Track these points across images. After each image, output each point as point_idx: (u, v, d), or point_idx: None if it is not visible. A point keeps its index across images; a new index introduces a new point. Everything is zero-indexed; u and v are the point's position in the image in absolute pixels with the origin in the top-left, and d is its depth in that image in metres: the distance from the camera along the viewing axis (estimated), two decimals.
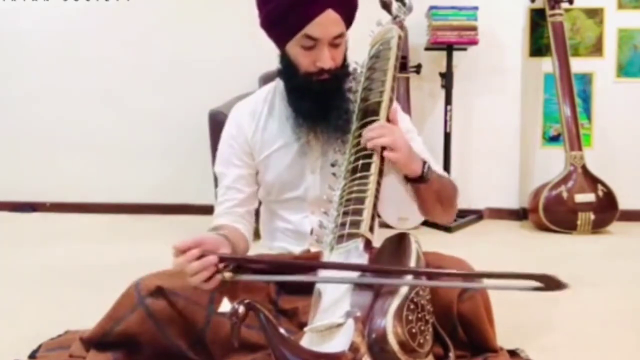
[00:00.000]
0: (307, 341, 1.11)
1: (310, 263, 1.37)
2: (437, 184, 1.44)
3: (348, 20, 1.45)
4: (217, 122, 2.88)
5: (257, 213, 1.70)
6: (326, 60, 1.40)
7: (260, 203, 1.67)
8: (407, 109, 3.49)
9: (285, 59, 1.47)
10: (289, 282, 1.35)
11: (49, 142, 3.90)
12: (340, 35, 1.42)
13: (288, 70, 1.47)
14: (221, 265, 1.21)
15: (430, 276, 1.21)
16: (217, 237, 1.31)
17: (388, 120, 1.40)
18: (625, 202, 3.38)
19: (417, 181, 1.40)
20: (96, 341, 1.37)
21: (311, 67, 1.42)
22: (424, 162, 1.40)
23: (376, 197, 1.30)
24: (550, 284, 1.05)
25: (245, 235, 1.52)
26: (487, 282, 1.28)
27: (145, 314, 1.32)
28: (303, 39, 1.40)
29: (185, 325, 1.33)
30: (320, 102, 1.44)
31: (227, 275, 1.20)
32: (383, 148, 1.33)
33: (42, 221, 3.69)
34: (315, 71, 1.42)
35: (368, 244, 1.24)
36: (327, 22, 1.38)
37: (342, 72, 1.47)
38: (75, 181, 3.90)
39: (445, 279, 1.24)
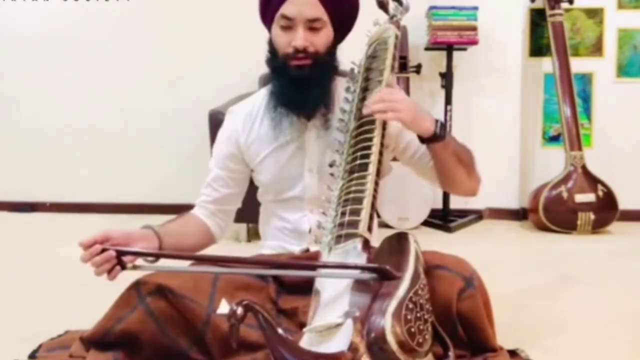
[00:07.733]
0: (306, 341, 1.11)
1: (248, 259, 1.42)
2: (454, 145, 1.46)
3: (333, 11, 1.47)
4: (217, 122, 2.87)
5: (256, 214, 1.70)
6: (299, 39, 1.44)
7: (259, 203, 1.67)
8: None
9: (270, 44, 1.52)
10: (203, 273, 1.38)
11: (49, 142, 3.90)
12: (318, 20, 1.45)
13: (271, 54, 1.52)
14: (126, 258, 1.31)
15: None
16: (128, 232, 1.39)
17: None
18: (625, 202, 3.38)
19: (432, 140, 1.41)
20: (96, 341, 1.37)
21: (287, 48, 1.46)
22: (437, 120, 1.42)
23: (374, 197, 1.31)
24: (385, 274, 1.12)
25: (211, 229, 1.62)
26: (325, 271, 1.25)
27: (145, 313, 1.32)
28: (280, 19, 1.46)
29: (186, 324, 1.33)
30: (297, 89, 1.46)
31: (129, 266, 1.32)
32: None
33: (42, 221, 3.69)
34: (291, 52, 1.46)
35: (366, 244, 1.24)
36: (301, 1, 1.44)
37: (323, 59, 1.48)
38: (75, 181, 3.90)
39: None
